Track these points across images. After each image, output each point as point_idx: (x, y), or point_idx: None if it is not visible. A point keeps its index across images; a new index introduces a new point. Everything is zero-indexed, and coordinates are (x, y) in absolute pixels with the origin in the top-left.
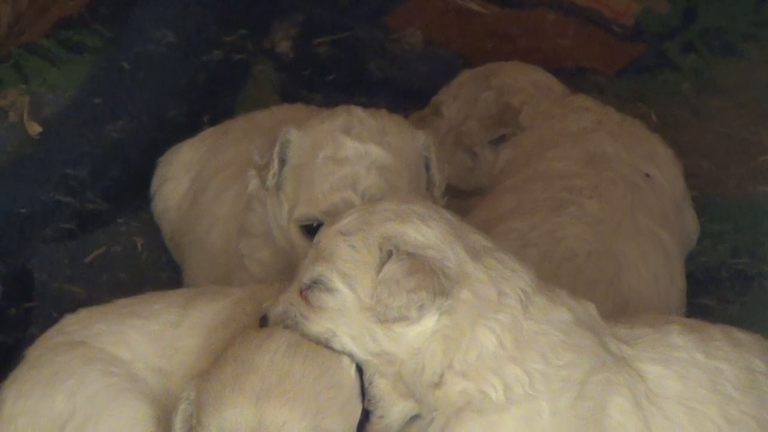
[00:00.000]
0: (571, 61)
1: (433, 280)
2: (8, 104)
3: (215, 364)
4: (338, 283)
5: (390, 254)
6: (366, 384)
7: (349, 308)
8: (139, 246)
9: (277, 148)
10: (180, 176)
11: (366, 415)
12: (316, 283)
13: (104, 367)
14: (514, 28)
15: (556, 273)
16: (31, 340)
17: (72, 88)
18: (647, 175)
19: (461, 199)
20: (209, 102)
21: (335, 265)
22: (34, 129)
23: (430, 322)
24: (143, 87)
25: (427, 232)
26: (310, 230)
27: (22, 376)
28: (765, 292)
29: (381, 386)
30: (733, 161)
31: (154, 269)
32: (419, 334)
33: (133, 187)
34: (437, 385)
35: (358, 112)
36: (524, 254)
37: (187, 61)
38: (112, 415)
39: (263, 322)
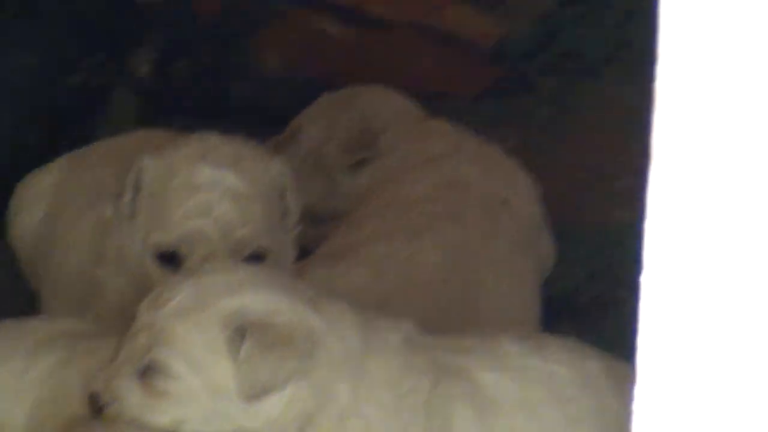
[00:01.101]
0: (431, 84)
1: (295, 346)
2: None
3: None
4: (182, 368)
5: (237, 330)
6: None
7: (197, 392)
8: None
9: (131, 176)
10: (37, 202)
11: None
12: (156, 370)
13: None
14: (373, 52)
15: (412, 299)
16: None
17: None
18: (505, 201)
19: (319, 224)
20: (68, 127)
21: (176, 349)
22: None
23: (288, 391)
24: (0, 112)
25: (265, 298)
26: (165, 258)
27: None
28: (621, 318)
29: None
30: (590, 186)
31: (11, 297)
32: (277, 401)
33: None
34: None
35: (213, 138)
36: (382, 281)
37: (45, 85)
38: None
39: (94, 408)
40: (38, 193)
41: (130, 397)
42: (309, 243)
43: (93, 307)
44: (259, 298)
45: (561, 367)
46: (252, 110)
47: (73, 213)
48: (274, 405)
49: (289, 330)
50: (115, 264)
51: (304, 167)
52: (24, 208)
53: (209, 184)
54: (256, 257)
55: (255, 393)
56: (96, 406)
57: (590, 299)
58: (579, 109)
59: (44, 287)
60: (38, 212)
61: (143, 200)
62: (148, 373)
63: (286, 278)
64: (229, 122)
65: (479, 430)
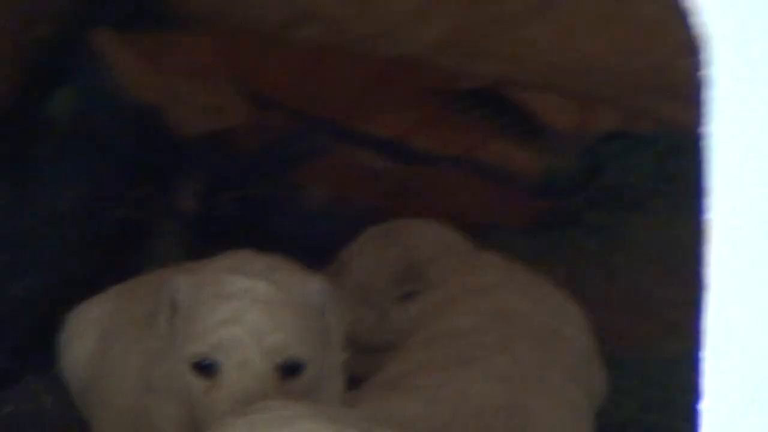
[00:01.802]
0: (477, 217)
1: None
2: None
3: None
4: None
5: None
6: None
7: None
8: (48, 404)
9: (165, 295)
10: (87, 333)
11: None
12: None
13: None
14: (419, 185)
15: (465, 430)
16: None
17: None
18: (555, 331)
19: (370, 355)
20: (115, 259)
21: None
22: None
23: None
24: (48, 244)
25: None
26: (202, 368)
27: None
28: None
29: None
30: (641, 316)
31: (63, 427)
32: None
33: (41, 345)
34: None
35: (246, 253)
36: (433, 411)
37: (91, 218)
38: None
39: None
40: (88, 324)
41: None
42: (360, 373)
43: None
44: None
45: None
46: (297, 242)
47: (122, 344)
48: None
49: None
50: (163, 391)
51: (352, 299)
52: (74, 338)
53: (240, 292)
54: (293, 368)
55: None
56: None
57: (642, 430)
58: (626, 241)
59: (96, 418)
60: (88, 343)
61: (179, 319)
62: None
63: (339, 411)
64: (274, 254)
65: None
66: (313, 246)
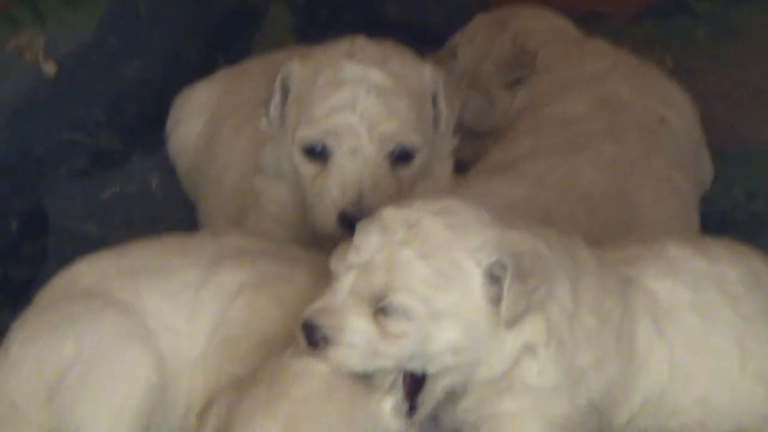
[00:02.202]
0: (587, 5)
1: (542, 275)
2: (24, 44)
3: (250, 385)
4: (424, 314)
5: (490, 267)
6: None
7: (436, 335)
8: (153, 185)
9: (278, 79)
10: (195, 116)
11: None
12: (394, 313)
13: (117, 315)
14: None
15: (572, 213)
16: (45, 277)
17: (88, 28)
18: (662, 119)
19: (476, 140)
20: (224, 43)
21: (422, 295)
22: (50, 69)
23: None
24: (159, 27)
25: (503, 232)
26: (314, 154)
27: (31, 321)
28: None
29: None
30: (749, 106)
31: (169, 208)
32: (515, 332)
33: (149, 127)
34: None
35: (361, 39)
36: (540, 195)
37: (202, 2)
38: (116, 361)
39: (310, 340)
40: (197, 107)
41: (360, 338)
42: (467, 158)
43: (251, 218)
44: (499, 232)
45: (728, 267)
46: (407, 28)
47: (231, 127)
48: (511, 340)
49: (535, 260)
50: (271, 173)
51: (460, 85)
52: (183, 120)
53: (355, 79)
54: (405, 155)
55: (513, 322)
56: (313, 339)
57: (748, 217)
58: (736, 31)
59: (202, 198)
60: (197, 125)
61: (291, 102)
62: (383, 314)
63: (504, 212)
64: (383, 39)
65: (659, 345)
66: (423, 31)
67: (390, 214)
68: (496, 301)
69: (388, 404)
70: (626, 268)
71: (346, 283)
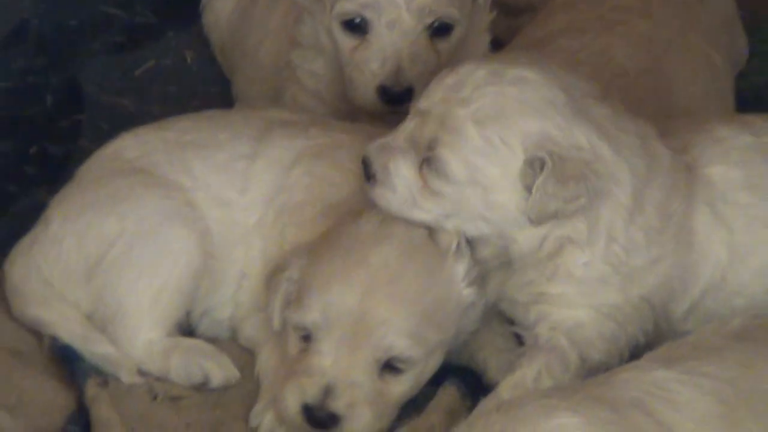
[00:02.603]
0: None
1: (587, 186)
2: None
3: (323, 251)
4: (463, 175)
5: (537, 159)
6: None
7: (469, 200)
8: (188, 59)
9: None
10: None
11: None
12: (436, 167)
13: (162, 192)
14: None
15: (606, 90)
16: (80, 151)
17: None
18: None
19: (512, 16)
20: None
21: (465, 157)
22: None
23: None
24: None
25: (566, 126)
26: (352, 27)
27: (73, 197)
28: None
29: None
30: None
31: (204, 83)
32: (550, 226)
33: (184, 1)
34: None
35: None
36: (576, 70)
37: None
38: (159, 241)
39: (367, 173)
40: None
41: (403, 184)
42: (502, 35)
43: (287, 93)
44: (561, 125)
45: None
46: None
47: (267, 1)
48: (545, 228)
49: (585, 166)
50: (308, 47)
51: None
52: None
53: None
54: (443, 28)
55: (540, 220)
56: (367, 173)
57: None
58: None
59: (237, 73)
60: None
61: None
62: (428, 166)
63: (574, 81)
64: None
65: (717, 231)
66: None
67: (466, 69)
68: (530, 191)
69: (461, 270)
70: (684, 157)
71: (407, 126)
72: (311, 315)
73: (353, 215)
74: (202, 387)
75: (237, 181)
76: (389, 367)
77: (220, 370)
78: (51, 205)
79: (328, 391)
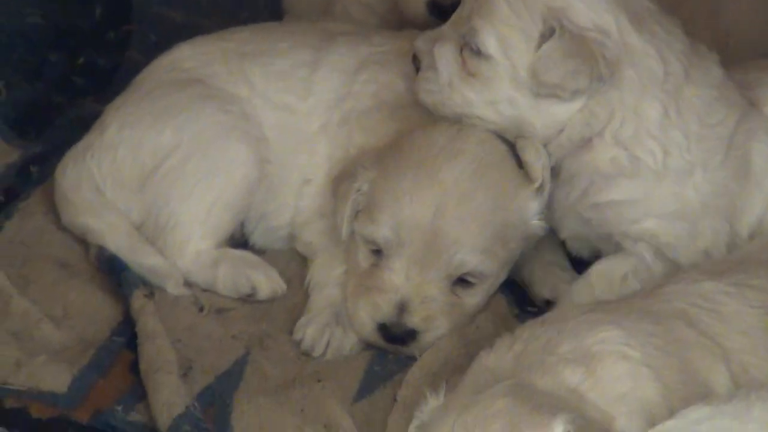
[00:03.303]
0: None
1: (591, 66)
2: None
3: (393, 163)
4: (494, 47)
5: (552, 30)
6: None
7: (500, 76)
8: None
9: None
10: None
11: None
12: (473, 43)
13: (219, 104)
14: None
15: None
16: (128, 63)
17: None
18: None
19: None
20: None
21: (494, 26)
22: None
23: (579, 103)
24: None
25: (596, 7)
26: None
27: (130, 105)
28: None
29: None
30: None
31: None
32: (564, 109)
33: None
34: (581, 149)
35: None
36: None
37: None
38: (215, 153)
39: (415, 65)
40: None
41: (444, 65)
42: None
43: (338, 4)
44: (591, 4)
45: None
46: None
47: None
48: (560, 111)
49: (598, 50)
50: None
51: None
52: None
53: None
54: None
55: (540, 89)
56: (415, 64)
57: None
58: None
59: None
60: None
61: None
62: (466, 47)
63: None
64: None
65: None
66: None
67: None
68: None
69: (535, 206)
70: (746, 92)
71: (452, 16)
72: (382, 231)
73: (423, 126)
74: (248, 298)
75: (298, 87)
76: (461, 281)
77: (267, 281)
78: (107, 113)
79: (402, 308)
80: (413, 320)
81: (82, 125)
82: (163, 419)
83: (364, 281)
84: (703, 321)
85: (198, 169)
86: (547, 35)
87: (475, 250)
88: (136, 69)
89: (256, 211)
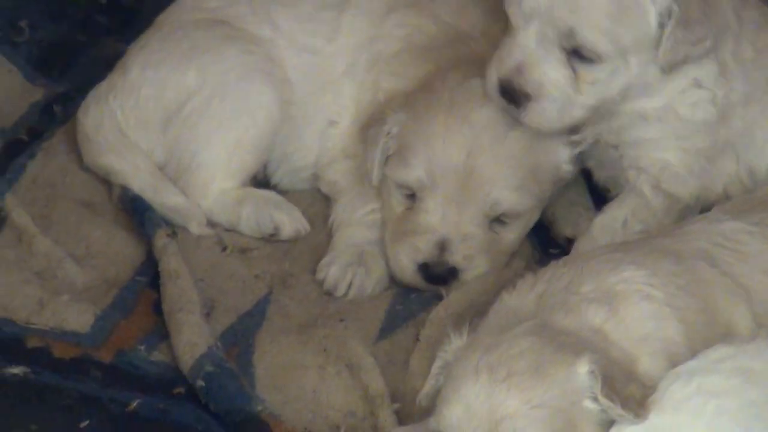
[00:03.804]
0: None
1: (710, 26)
2: None
3: (424, 106)
4: (610, 49)
5: (664, 7)
6: None
7: (621, 73)
8: None
9: None
10: None
11: None
12: (584, 53)
13: (243, 45)
14: None
15: None
16: (152, 2)
17: None
18: None
19: None
20: None
21: (606, 28)
22: None
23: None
24: None
25: None
26: None
27: (153, 45)
28: None
29: None
30: None
31: None
32: (696, 68)
33: None
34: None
35: None
36: None
37: None
38: (238, 94)
39: (507, 92)
40: None
41: (559, 89)
42: None
43: None
44: None
45: None
46: None
47: None
48: (692, 69)
49: (706, 6)
50: None
51: None
52: None
53: None
54: None
55: (671, 67)
56: (515, 98)
57: None
58: None
59: None
60: None
61: None
62: (575, 57)
63: None
64: None
65: None
66: None
67: None
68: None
69: (567, 152)
70: None
71: (531, 33)
72: (415, 173)
73: (454, 68)
74: (271, 238)
75: (324, 29)
76: (497, 219)
77: (290, 221)
78: (129, 53)
79: (443, 247)
80: (454, 258)
81: (105, 64)
82: (186, 359)
83: (401, 226)
84: (726, 261)
85: (221, 110)
86: (663, 15)
87: (509, 188)
88: (159, 8)
89: (279, 152)
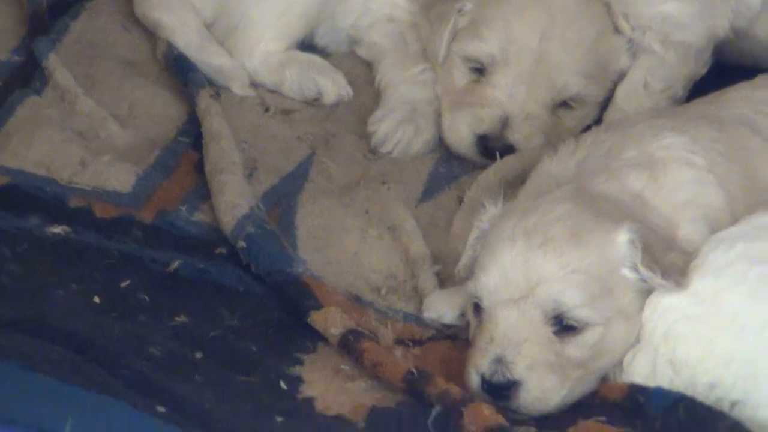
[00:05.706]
0: None
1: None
2: None
3: None
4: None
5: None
6: None
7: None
8: None
9: None
10: None
11: None
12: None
13: None
14: None
15: None
16: None
17: None
18: None
19: None
20: None
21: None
22: None
23: None
24: None
25: None
26: None
27: None
28: None
29: None
30: None
31: None
32: None
33: None
34: None
35: None
36: None
37: None
38: None
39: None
40: None
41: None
42: None
43: None
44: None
45: None
46: None
47: None
48: None
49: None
50: None
51: None
52: None
53: None
54: None
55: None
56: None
57: None
58: None
59: None
60: None
61: None
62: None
63: None
64: None
65: None
66: None
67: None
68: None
69: (626, 53)
70: None
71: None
72: (489, 47)
73: None
74: (314, 102)
75: None
76: (563, 104)
77: (333, 86)
78: None
79: (504, 123)
80: (515, 136)
81: None
82: (227, 220)
83: (462, 98)
84: None
85: None
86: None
87: (578, 73)
88: None
89: (325, 13)
